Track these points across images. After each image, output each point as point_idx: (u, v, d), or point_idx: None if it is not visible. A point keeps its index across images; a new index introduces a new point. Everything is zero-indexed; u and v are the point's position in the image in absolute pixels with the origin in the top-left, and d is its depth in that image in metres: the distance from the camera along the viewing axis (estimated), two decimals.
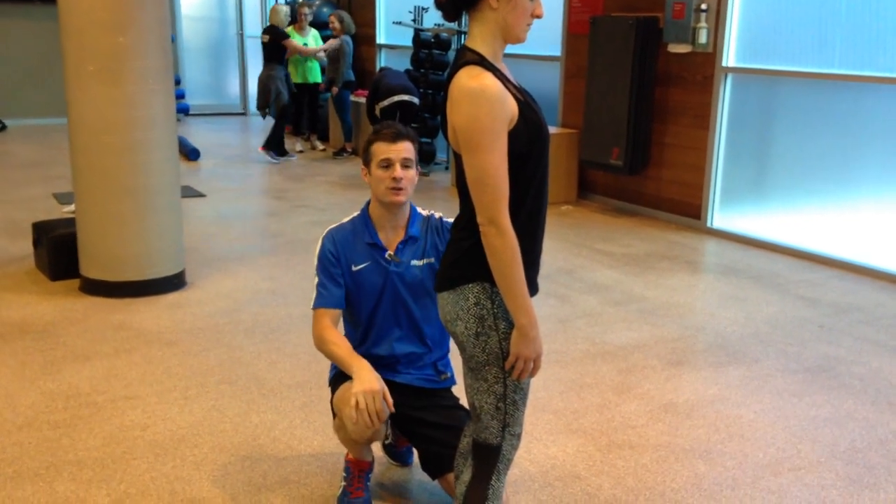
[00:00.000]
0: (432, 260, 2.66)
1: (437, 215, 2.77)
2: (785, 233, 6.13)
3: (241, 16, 13.84)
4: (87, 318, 4.45)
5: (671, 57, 6.68)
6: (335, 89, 9.59)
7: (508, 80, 1.94)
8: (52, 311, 4.53)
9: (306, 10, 9.65)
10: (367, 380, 2.40)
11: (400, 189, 2.57)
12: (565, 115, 7.82)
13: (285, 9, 9.41)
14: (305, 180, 8.49)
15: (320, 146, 10.37)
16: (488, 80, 1.85)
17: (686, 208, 6.79)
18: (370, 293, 2.65)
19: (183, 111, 12.86)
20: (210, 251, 5.80)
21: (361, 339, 2.72)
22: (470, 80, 1.85)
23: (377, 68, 10.37)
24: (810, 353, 4.18)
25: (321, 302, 2.63)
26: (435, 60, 8.94)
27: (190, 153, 9.46)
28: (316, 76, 9.79)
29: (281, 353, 4.05)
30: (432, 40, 9.01)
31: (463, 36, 9.22)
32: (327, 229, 2.71)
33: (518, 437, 2.08)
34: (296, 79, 9.69)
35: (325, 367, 3.89)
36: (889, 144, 5.47)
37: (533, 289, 2.11)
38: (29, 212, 6.74)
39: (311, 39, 9.66)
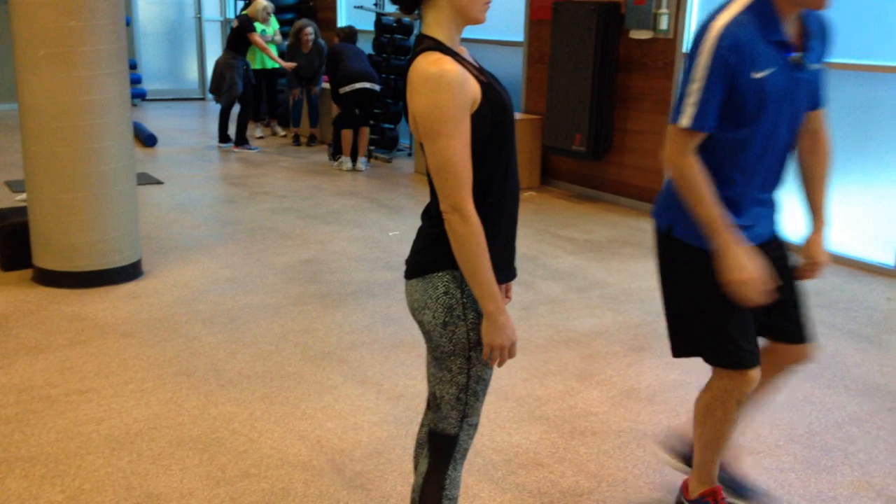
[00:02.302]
0: (822, 63, 2.28)
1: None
2: None
3: None
4: (40, 310, 4.34)
5: (633, 43, 6.69)
6: (315, 89, 9.44)
7: (468, 63, 1.91)
8: (3, 303, 4.42)
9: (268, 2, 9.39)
10: (747, 266, 2.21)
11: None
12: (528, 100, 7.80)
13: (266, 4, 9.22)
14: (266, 167, 8.38)
15: (281, 132, 10.22)
16: (448, 64, 1.81)
17: (648, 194, 6.82)
18: (772, 110, 2.20)
19: (139, 96, 12.60)
20: (167, 240, 5.69)
21: (741, 179, 2.30)
22: (429, 66, 1.81)
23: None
24: None
25: (700, 122, 2.17)
26: (397, 45, 8.86)
27: (146, 139, 9.28)
28: (274, 62, 9.63)
29: (240, 343, 3.99)
30: (394, 25, 8.93)
31: None
32: (722, 23, 2.14)
33: (475, 427, 2.06)
34: (255, 65, 9.53)
35: (285, 357, 3.85)
36: (843, 130, 5.54)
37: (510, 273, 2.10)
38: None
39: (271, 27, 9.51)
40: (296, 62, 9.21)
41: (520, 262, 5.32)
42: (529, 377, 3.70)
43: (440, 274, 1.94)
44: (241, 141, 9.17)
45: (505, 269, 2.07)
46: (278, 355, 3.86)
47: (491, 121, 1.88)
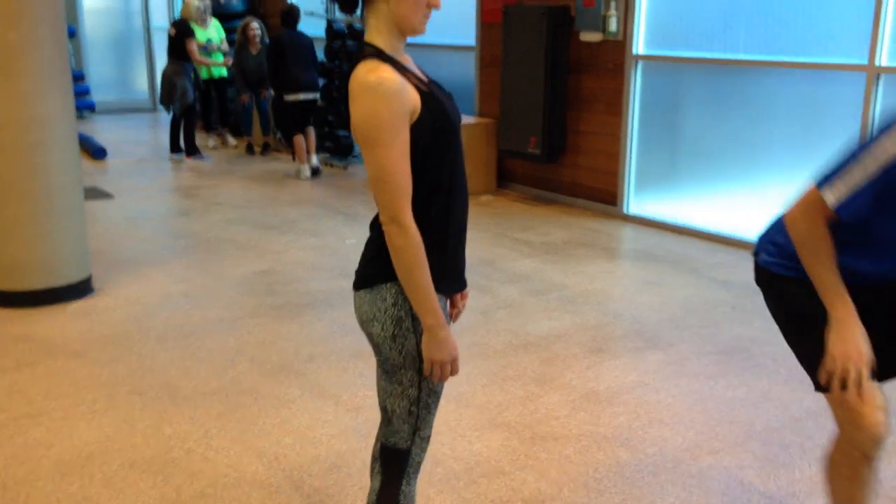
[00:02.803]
0: None
1: None
2: (698, 217, 6.26)
3: (146, 7, 13.38)
4: None
5: (583, 45, 6.73)
6: (266, 93, 9.26)
7: (410, 72, 1.88)
8: None
9: (199, 2, 9.21)
10: (854, 340, 2.00)
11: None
12: (482, 104, 7.81)
13: (197, 3, 9.05)
14: (219, 177, 8.27)
15: (233, 142, 10.07)
16: (386, 72, 1.78)
17: (603, 195, 6.87)
18: None
19: (88, 108, 12.36)
20: (119, 254, 5.57)
21: (868, 263, 2.12)
22: (367, 74, 1.79)
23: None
24: (724, 334, 4.26)
25: (844, 210, 1.97)
26: (349, 51, 8.81)
27: (96, 152, 9.10)
28: (222, 70, 9.48)
29: (195, 358, 3.91)
30: (346, 31, 8.88)
31: None
32: None
33: (427, 439, 2.03)
34: (203, 74, 9.36)
35: (241, 372, 3.78)
36: (793, 127, 5.63)
37: (461, 283, 2.07)
38: None
39: (212, 31, 9.32)
40: (244, 66, 9.08)
41: (477, 267, 5.33)
42: (489, 383, 3.68)
43: (388, 285, 1.91)
44: (193, 151, 9.03)
45: (455, 280, 2.04)
46: (234, 370, 3.79)
47: (432, 130, 1.85)
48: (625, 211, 6.71)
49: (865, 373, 2.01)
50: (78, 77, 12.33)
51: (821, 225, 2.03)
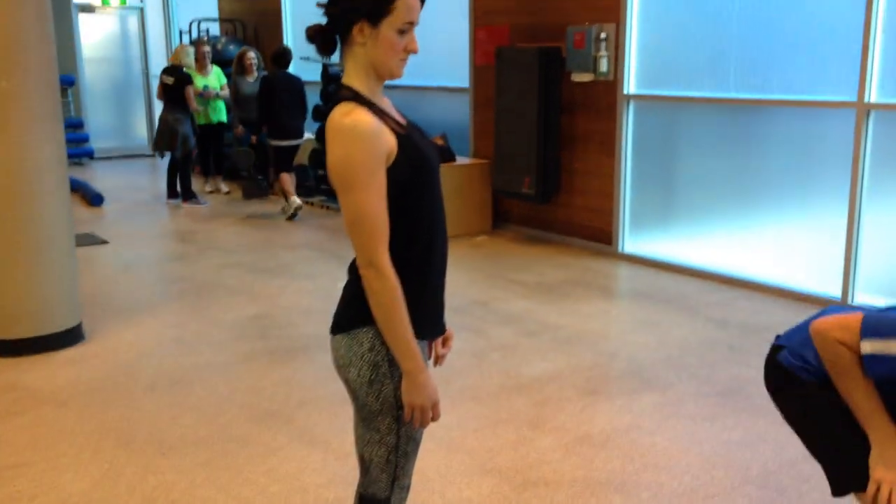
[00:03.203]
0: None
1: None
2: (693, 255, 6.23)
3: (145, 55, 13.53)
4: None
5: (575, 86, 6.77)
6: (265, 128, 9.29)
7: (387, 115, 1.87)
8: None
9: (206, 48, 9.33)
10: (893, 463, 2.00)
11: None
12: (477, 145, 7.83)
13: (191, 49, 9.15)
14: (214, 222, 8.27)
15: (224, 188, 9.93)
16: (361, 115, 1.78)
17: (598, 234, 6.85)
18: None
19: (87, 155, 12.44)
20: (111, 301, 5.55)
21: None
22: (342, 117, 1.78)
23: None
24: (721, 375, 4.21)
25: (873, 367, 1.96)
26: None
27: (93, 199, 9.12)
28: (221, 115, 9.52)
29: (183, 406, 3.86)
30: (341, 74, 8.93)
31: None
32: None
33: (407, 488, 1.99)
34: (200, 120, 9.38)
35: (230, 419, 3.73)
36: (785, 165, 5.63)
37: (440, 328, 2.04)
38: None
39: (213, 79, 9.39)
40: (239, 94, 9.14)
41: (471, 308, 5.30)
42: (481, 427, 3.63)
43: (365, 329, 1.89)
44: (189, 196, 9.05)
45: (434, 324, 2.02)
46: (223, 417, 3.74)
47: (409, 172, 1.84)
48: (620, 250, 6.69)
49: None
50: (76, 125, 12.44)
51: (855, 364, 1.99)
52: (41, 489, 3.12)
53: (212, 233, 7.72)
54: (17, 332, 4.48)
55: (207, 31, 11.13)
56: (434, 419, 1.90)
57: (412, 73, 9.01)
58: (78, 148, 12.28)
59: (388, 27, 1.81)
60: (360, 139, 1.75)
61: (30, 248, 4.44)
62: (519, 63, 6.92)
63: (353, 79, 1.87)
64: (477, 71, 7.71)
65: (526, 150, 6.95)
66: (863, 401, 2.00)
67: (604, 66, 6.43)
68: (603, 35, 6.41)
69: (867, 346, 1.94)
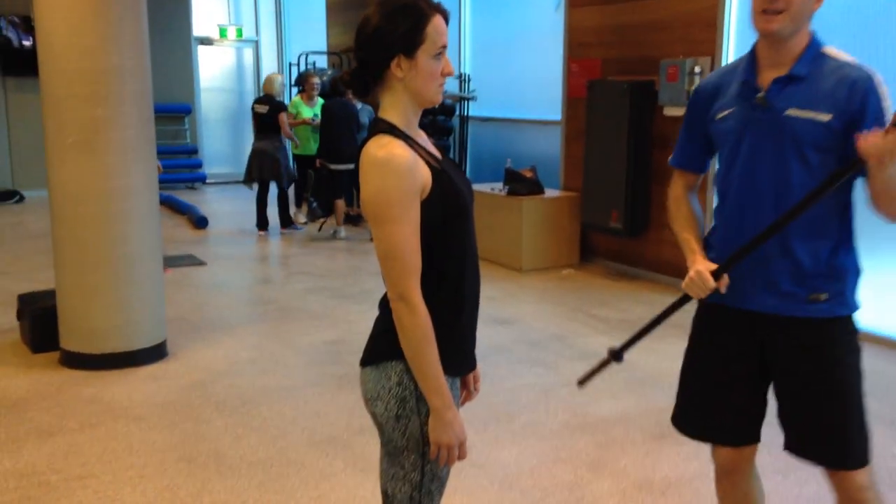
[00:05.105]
0: (824, 116, 2.05)
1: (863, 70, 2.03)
2: None
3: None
4: (61, 392, 4.38)
5: (667, 120, 6.61)
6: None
7: (423, 148, 1.87)
8: (26, 385, 4.48)
9: (316, 79, 9.54)
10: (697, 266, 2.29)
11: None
12: (567, 178, 7.75)
13: (280, 78, 9.43)
14: (310, 246, 8.47)
15: (302, 219, 9.77)
16: (397, 148, 1.78)
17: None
18: (729, 150, 2.19)
19: (200, 179, 13.02)
20: (198, 320, 5.74)
21: (722, 219, 2.28)
22: (378, 150, 1.78)
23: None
24: None
25: (671, 159, 2.42)
26: (437, 125, 8.97)
27: (197, 221, 9.51)
28: (312, 148, 9.60)
29: (248, 427, 3.94)
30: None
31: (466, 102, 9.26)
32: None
33: None
34: (297, 150, 9.57)
35: (290, 442, 3.77)
36: None
37: (470, 363, 2.01)
38: (29, 283, 6.75)
39: (318, 108, 9.63)
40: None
41: (547, 342, 5.20)
42: (538, 465, 3.54)
43: (394, 363, 1.87)
44: (287, 222, 9.29)
45: (464, 360, 1.98)
46: (283, 440, 3.79)
47: (443, 207, 1.83)
48: None
49: None
50: (191, 151, 13.08)
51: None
52: (102, 502, 3.23)
53: (304, 257, 7.91)
54: (105, 347, 4.69)
55: (314, 63, 11.49)
56: (461, 458, 1.86)
57: (506, 105, 9.09)
58: (192, 173, 12.89)
59: (424, 55, 1.81)
60: (394, 172, 1.75)
61: (119, 267, 4.66)
62: (610, 96, 6.83)
63: (391, 112, 1.87)
64: (569, 103, 7.65)
65: (615, 184, 6.83)
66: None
67: None
68: (697, 69, 6.25)
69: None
